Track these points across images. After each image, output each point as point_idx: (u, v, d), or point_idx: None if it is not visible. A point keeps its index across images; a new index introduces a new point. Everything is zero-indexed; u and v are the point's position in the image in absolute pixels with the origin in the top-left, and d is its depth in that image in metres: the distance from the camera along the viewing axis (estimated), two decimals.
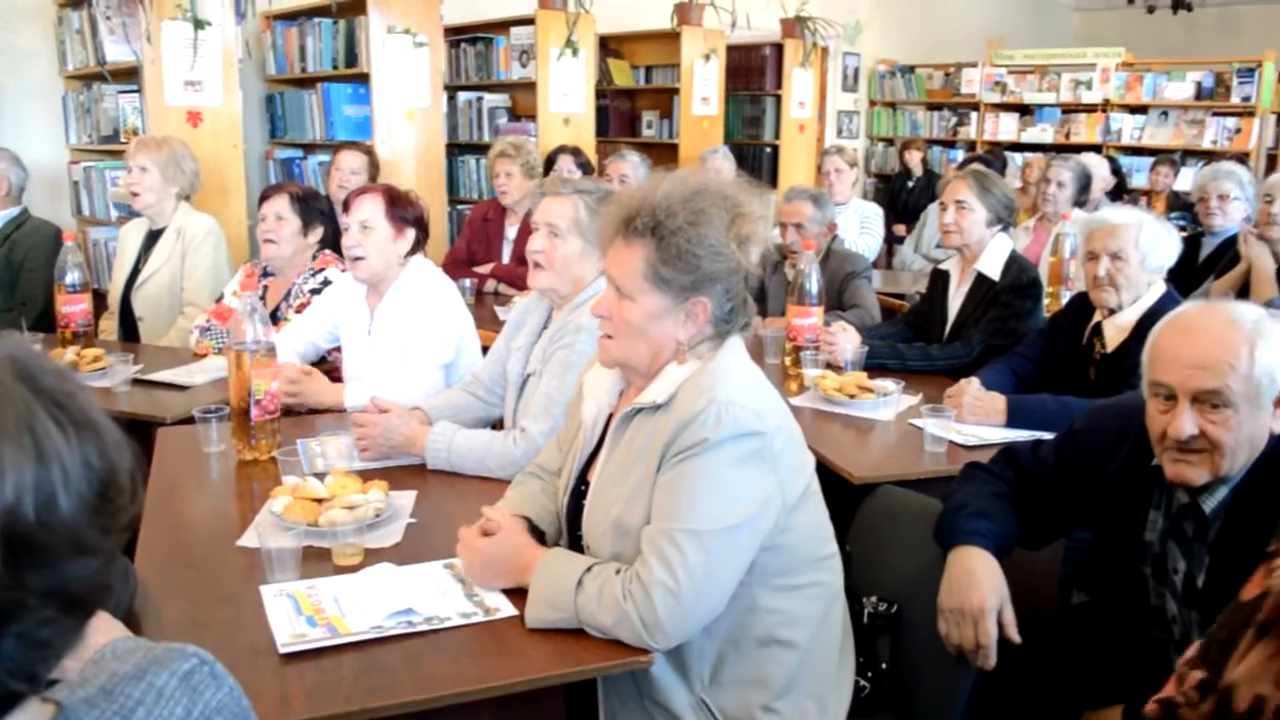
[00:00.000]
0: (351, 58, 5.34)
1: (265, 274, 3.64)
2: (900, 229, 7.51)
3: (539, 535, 1.88)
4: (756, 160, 7.61)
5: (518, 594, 1.72)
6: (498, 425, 2.66)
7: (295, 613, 1.69)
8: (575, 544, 1.87)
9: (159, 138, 4.06)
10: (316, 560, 1.90)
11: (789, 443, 1.72)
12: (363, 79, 5.24)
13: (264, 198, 3.58)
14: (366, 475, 2.23)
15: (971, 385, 2.79)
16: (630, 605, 1.58)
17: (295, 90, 5.79)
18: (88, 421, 0.82)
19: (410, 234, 2.98)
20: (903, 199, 8.22)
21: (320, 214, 3.59)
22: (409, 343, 2.92)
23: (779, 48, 7.52)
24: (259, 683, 1.49)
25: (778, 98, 7.54)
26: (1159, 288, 2.81)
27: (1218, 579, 1.76)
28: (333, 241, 3.66)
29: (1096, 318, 2.91)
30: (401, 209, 2.96)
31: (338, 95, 5.38)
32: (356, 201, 2.96)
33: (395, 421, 2.40)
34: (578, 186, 2.48)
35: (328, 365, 3.30)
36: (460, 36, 6.31)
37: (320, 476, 2.18)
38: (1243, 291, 3.96)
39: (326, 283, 3.45)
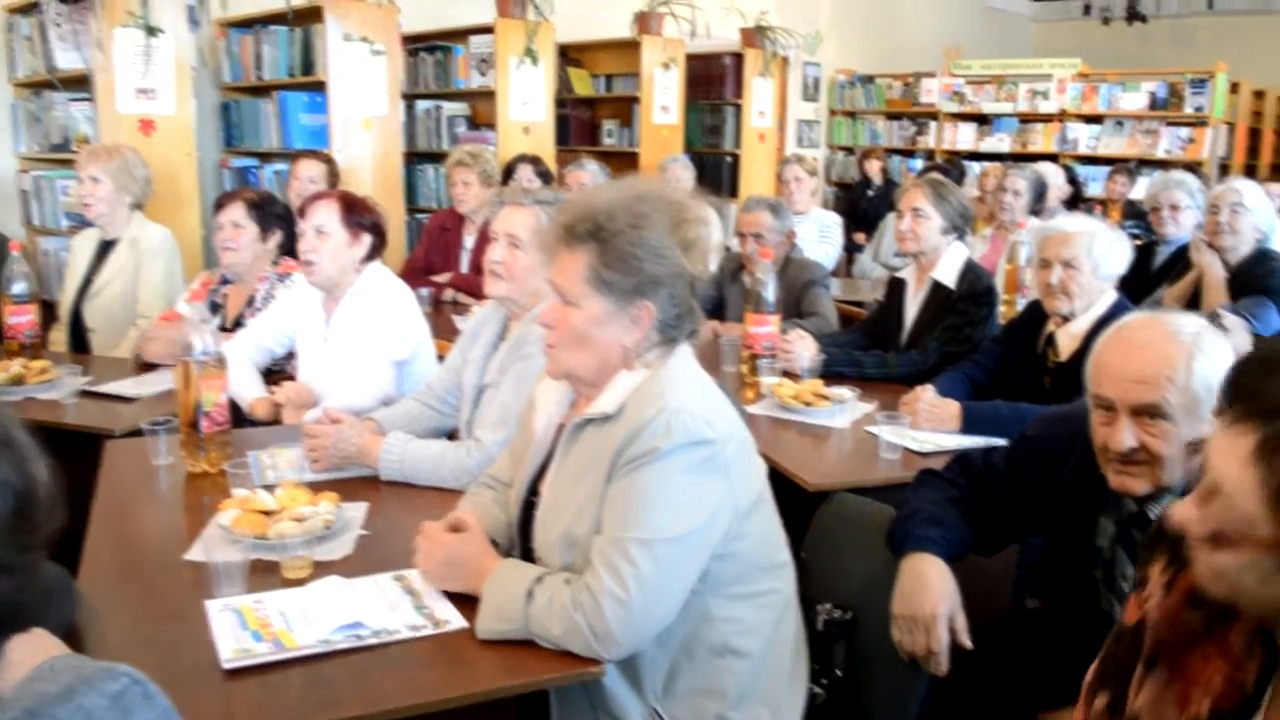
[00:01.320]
0: (308, 66, 5.30)
1: (224, 281, 3.60)
2: (860, 238, 7.55)
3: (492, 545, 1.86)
4: (717, 169, 7.63)
5: (467, 606, 1.70)
6: (452, 436, 2.64)
7: (241, 627, 1.66)
8: (527, 555, 1.85)
9: (110, 146, 4.00)
10: (265, 573, 1.87)
11: (740, 450, 1.72)
12: (319, 87, 5.20)
13: (219, 205, 3.54)
14: (318, 487, 2.20)
15: (926, 392, 2.81)
16: (580, 615, 1.56)
17: (251, 98, 5.73)
18: (5, 438, 0.80)
19: (366, 240, 2.96)
20: (863, 208, 8.26)
21: (277, 218, 3.55)
22: (361, 344, 2.89)
23: (739, 57, 7.55)
24: (202, 700, 1.47)
25: (738, 107, 7.57)
26: (1110, 296, 2.84)
27: None
28: (291, 246, 3.63)
29: (1050, 327, 2.94)
30: (358, 215, 2.94)
31: (294, 104, 5.33)
32: (312, 207, 2.94)
33: (347, 432, 2.38)
34: (538, 197, 2.46)
35: (281, 375, 3.26)
36: (419, 45, 6.29)
37: (270, 489, 2.14)
38: (1195, 298, 4.02)
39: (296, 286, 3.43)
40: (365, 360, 2.89)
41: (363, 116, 5.24)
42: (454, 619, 1.70)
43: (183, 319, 3.49)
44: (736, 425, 1.75)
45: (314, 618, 1.67)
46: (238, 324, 3.40)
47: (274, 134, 5.50)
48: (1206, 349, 1.70)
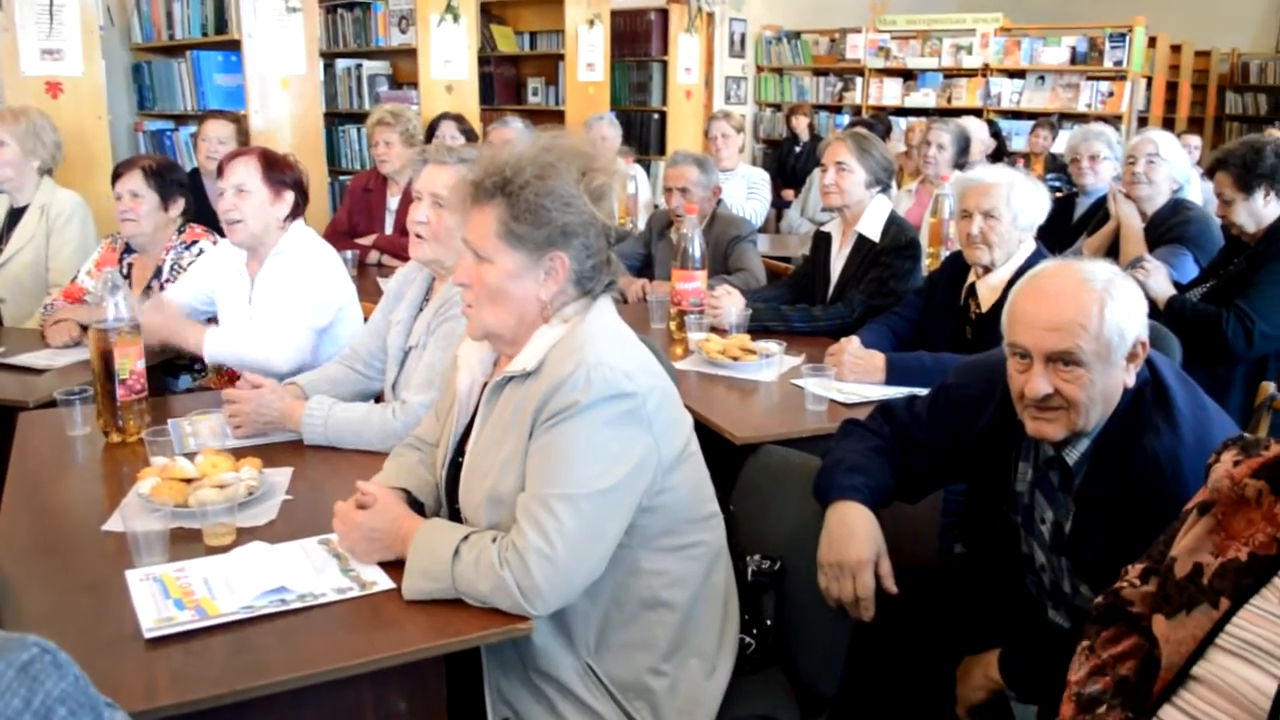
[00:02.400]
0: (221, 24, 5.16)
1: (128, 250, 3.50)
2: (789, 194, 7.59)
3: (418, 507, 1.85)
4: (644, 127, 7.60)
5: (395, 567, 1.69)
6: (378, 399, 2.61)
7: (163, 596, 1.64)
8: (455, 516, 1.85)
9: (15, 109, 3.86)
10: (187, 542, 1.84)
11: (663, 402, 1.72)
12: (234, 46, 5.07)
13: (116, 176, 3.41)
14: (240, 453, 2.17)
15: (851, 344, 2.84)
16: (507, 572, 1.56)
17: (164, 59, 5.57)
18: None
19: (289, 197, 2.90)
20: (791, 164, 8.28)
21: (179, 185, 3.45)
22: (284, 306, 2.84)
23: (664, 13, 7.50)
24: (122, 670, 1.44)
25: (664, 64, 7.53)
26: (1029, 246, 2.89)
27: (1083, 526, 1.82)
28: (196, 214, 3.55)
29: (971, 278, 2.98)
30: (279, 172, 2.88)
31: (208, 63, 5.20)
32: (230, 165, 2.87)
33: (269, 397, 2.34)
34: (462, 155, 2.43)
35: None
36: (337, 2, 6.15)
37: (191, 456, 2.11)
38: (1114, 248, 4.10)
39: (202, 253, 3.33)
40: (285, 323, 2.83)
41: (280, 76, 5.12)
42: (381, 580, 1.68)
43: (85, 295, 3.40)
44: (659, 378, 1.75)
45: (238, 584, 1.65)
46: (145, 296, 3.30)
47: (189, 95, 5.37)
48: (1118, 295, 1.73)
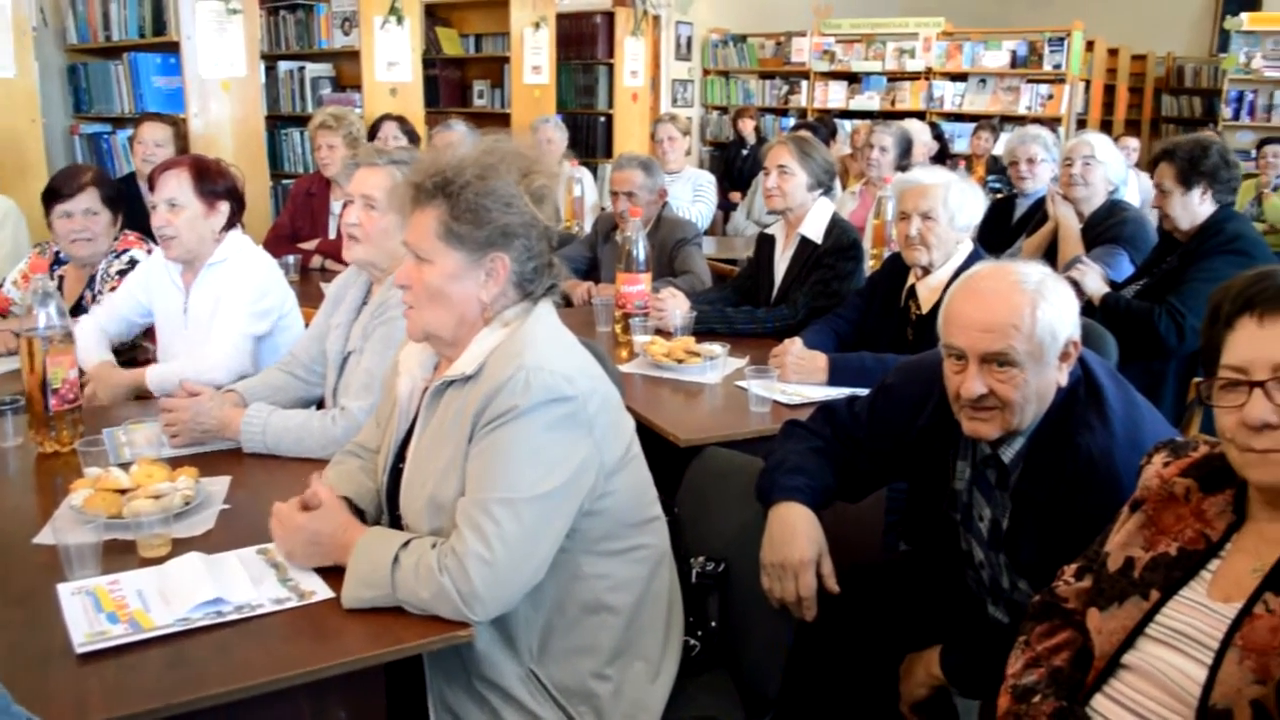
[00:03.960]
0: (160, 26, 5.08)
1: (58, 261, 3.41)
2: (736, 196, 7.62)
3: (359, 514, 1.83)
4: (590, 130, 7.59)
5: (334, 576, 1.67)
6: (320, 406, 2.58)
7: (95, 610, 1.60)
8: (396, 523, 1.83)
9: None
10: (121, 554, 1.81)
11: (604, 406, 1.72)
12: (173, 48, 4.99)
13: (62, 195, 3.24)
14: (177, 463, 2.13)
15: (794, 345, 2.85)
16: (446, 578, 1.55)
17: (100, 61, 5.47)
18: None
19: (223, 207, 2.85)
20: (738, 167, 8.32)
21: (122, 198, 3.38)
22: (223, 317, 2.80)
23: (610, 16, 7.50)
24: (52, 686, 1.41)
25: (610, 67, 7.53)
26: (966, 247, 2.93)
27: (1019, 523, 1.84)
28: (134, 219, 3.47)
29: (911, 279, 3.01)
30: (211, 182, 2.82)
31: (146, 66, 5.11)
32: (161, 179, 2.81)
33: (207, 405, 2.30)
34: (393, 156, 2.42)
35: (138, 354, 3.14)
36: (278, 3, 6.08)
37: (126, 466, 2.07)
38: (1052, 249, 4.17)
39: (133, 263, 3.26)
40: (224, 334, 2.79)
41: (220, 78, 5.05)
42: (320, 590, 1.66)
43: (11, 305, 3.33)
44: (600, 382, 1.75)
45: (173, 596, 1.62)
46: (79, 308, 3.22)
47: (126, 98, 5.27)
48: (1050, 296, 1.76)
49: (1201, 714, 1.34)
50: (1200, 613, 1.41)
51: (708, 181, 5.85)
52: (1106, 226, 4.02)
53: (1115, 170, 4.15)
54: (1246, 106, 8.91)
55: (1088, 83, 9.25)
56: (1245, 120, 8.86)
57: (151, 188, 2.83)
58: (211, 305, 2.83)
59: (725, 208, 7.14)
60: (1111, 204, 4.12)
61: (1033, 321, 1.73)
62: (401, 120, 5.09)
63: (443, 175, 1.72)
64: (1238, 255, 3.15)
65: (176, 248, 2.80)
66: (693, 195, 5.65)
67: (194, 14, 4.91)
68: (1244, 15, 8.96)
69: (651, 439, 2.47)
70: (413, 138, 5.06)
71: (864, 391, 2.20)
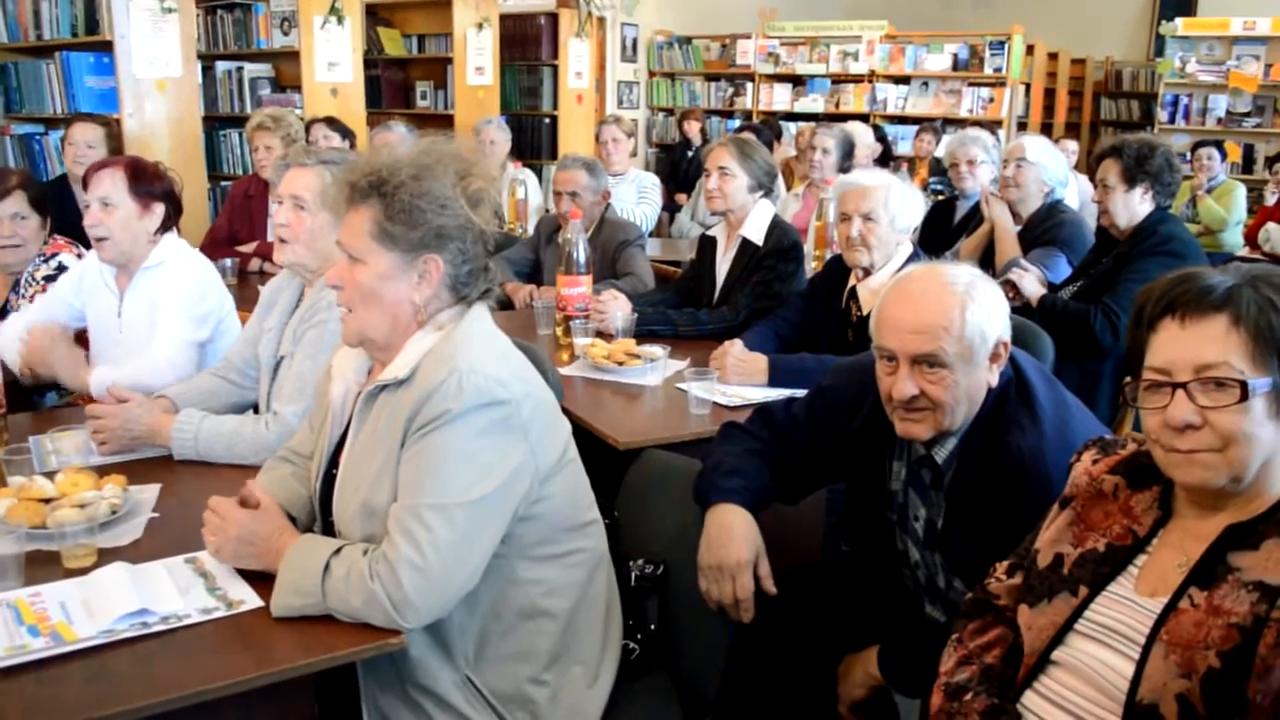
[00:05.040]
0: (92, 24, 4.97)
1: None
2: (682, 198, 7.62)
3: (290, 521, 1.80)
4: (535, 131, 7.55)
5: (264, 584, 1.64)
6: (255, 411, 2.53)
7: (16, 623, 1.56)
8: (329, 530, 1.80)
9: None
10: (45, 565, 1.76)
11: (539, 410, 1.71)
12: (106, 47, 4.89)
13: None
14: (105, 470, 2.09)
15: (735, 347, 2.86)
16: (378, 585, 1.53)
17: (31, 60, 5.34)
18: None
19: (159, 209, 2.79)
20: (683, 168, 8.33)
21: (51, 199, 3.30)
22: (161, 322, 2.74)
23: (554, 18, 7.46)
24: None
25: (555, 68, 7.49)
26: (906, 248, 2.95)
27: (954, 522, 1.86)
28: (66, 223, 3.39)
29: (852, 281, 3.03)
30: (147, 183, 2.76)
31: (79, 65, 5.00)
32: (95, 177, 2.75)
33: (136, 411, 2.26)
34: (322, 157, 2.38)
35: None
36: (215, 3, 5.99)
37: (51, 475, 2.02)
38: (991, 249, 4.21)
39: (62, 268, 3.17)
40: (166, 339, 2.72)
41: (155, 78, 4.95)
42: (249, 599, 1.64)
43: None
44: (534, 386, 1.73)
45: (97, 608, 1.59)
46: (3, 312, 3.13)
47: (58, 98, 5.15)
48: (979, 298, 1.77)
49: (1129, 709, 1.35)
50: (1127, 608, 1.43)
51: (652, 183, 5.85)
52: (1045, 228, 4.07)
53: (1052, 172, 4.19)
54: (1181, 110, 9.11)
55: (1028, 86, 9.38)
56: (1180, 123, 9.06)
57: (85, 188, 2.77)
58: (147, 310, 2.77)
59: (671, 209, 7.14)
60: (1051, 205, 4.17)
61: (962, 323, 1.74)
62: (332, 121, 5.01)
63: (378, 175, 1.70)
64: (1171, 257, 3.20)
65: (110, 249, 2.74)
66: (637, 197, 5.65)
67: (128, 13, 4.81)
68: (1179, 20, 9.16)
69: (592, 442, 2.46)
70: (346, 137, 4.99)
71: (803, 393, 2.20)
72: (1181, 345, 1.39)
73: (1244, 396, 1.33)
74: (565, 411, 2.49)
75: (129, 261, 2.80)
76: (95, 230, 2.72)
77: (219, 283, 2.94)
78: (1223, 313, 1.36)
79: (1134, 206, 3.39)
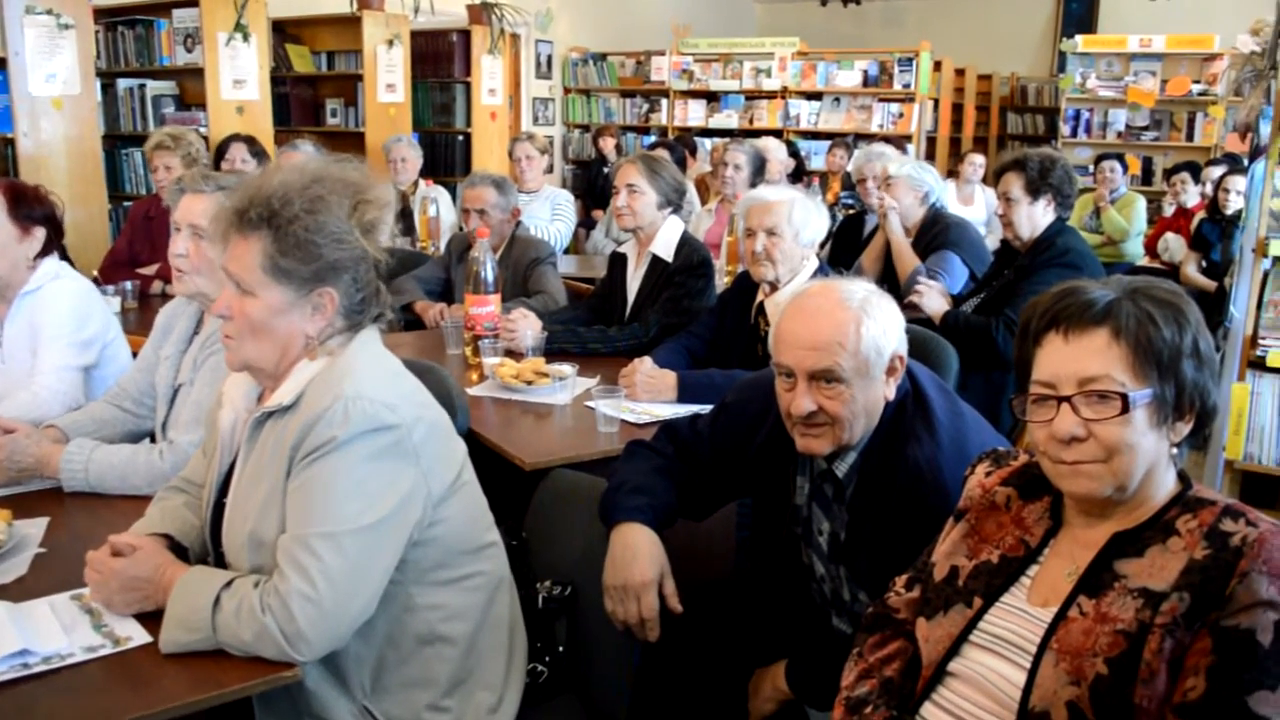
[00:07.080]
0: None
1: None
2: (599, 214, 7.62)
3: (182, 553, 1.75)
4: (448, 148, 7.49)
5: (153, 621, 1.59)
6: (152, 440, 2.46)
7: None
8: (221, 560, 1.75)
9: None
10: None
11: (431, 433, 1.68)
12: None
13: None
14: None
15: (644, 364, 2.86)
16: (270, 618, 1.49)
17: None
18: None
19: (39, 234, 2.71)
20: (599, 184, 8.34)
21: None
22: (42, 349, 2.65)
23: (467, 34, 7.42)
24: None
25: (468, 85, 7.45)
26: (812, 263, 2.98)
27: (856, 534, 1.87)
28: None
29: (760, 296, 3.05)
30: (27, 207, 2.69)
31: None
32: None
33: (23, 441, 2.17)
34: (220, 183, 2.32)
35: None
36: (116, 19, 5.84)
37: None
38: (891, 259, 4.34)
39: None
40: (49, 368, 2.64)
41: (52, 96, 4.82)
42: (138, 635, 1.59)
43: None
44: (426, 409, 1.71)
45: None
46: None
47: None
48: (873, 313, 1.79)
49: (1022, 717, 1.37)
50: (1020, 618, 1.45)
51: (566, 200, 5.84)
52: (933, 235, 4.30)
53: (919, 178, 4.42)
54: (1083, 124, 9.36)
55: (936, 101, 9.58)
56: (1083, 137, 9.31)
57: None
58: (27, 336, 2.68)
59: (588, 226, 7.14)
60: (935, 213, 4.41)
61: (857, 339, 1.76)
62: (250, 141, 4.93)
63: (268, 205, 1.65)
64: (1068, 269, 3.29)
65: None
66: (551, 214, 5.64)
67: (21, 29, 4.68)
68: (1079, 38, 9.42)
69: (501, 461, 2.44)
70: (263, 158, 4.91)
71: (709, 409, 2.21)
72: (1065, 359, 1.41)
73: (1125, 408, 1.37)
74: (473, 432, 2.49)
75: (7, 288, 2.71)
76: None
77: (103, 306, 2.85)
78: (1104, 326, 1.40)
79: (1037, 218, 3.49)
